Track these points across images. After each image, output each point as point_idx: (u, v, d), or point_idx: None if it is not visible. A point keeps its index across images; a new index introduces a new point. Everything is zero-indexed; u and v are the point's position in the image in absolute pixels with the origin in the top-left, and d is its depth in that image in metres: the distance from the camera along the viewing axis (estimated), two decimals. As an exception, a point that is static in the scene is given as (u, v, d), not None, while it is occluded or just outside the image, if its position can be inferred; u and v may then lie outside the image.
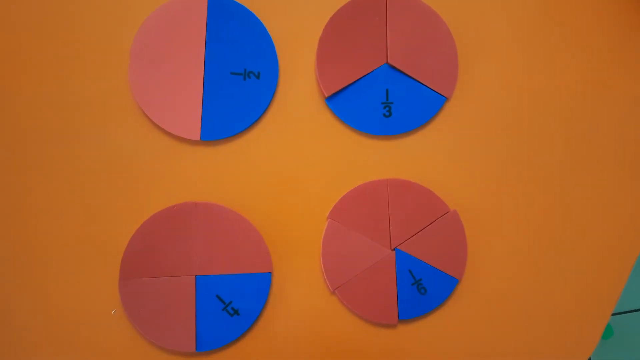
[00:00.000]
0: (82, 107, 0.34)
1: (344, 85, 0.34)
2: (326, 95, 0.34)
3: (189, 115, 0.33)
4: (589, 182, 0.37)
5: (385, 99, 0.35)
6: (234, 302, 0.33)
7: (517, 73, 0.36)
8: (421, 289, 0.34)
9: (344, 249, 0.34)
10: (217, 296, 0.33)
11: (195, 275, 0.33)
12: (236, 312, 0.33)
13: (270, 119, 0.35)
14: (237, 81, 0.34)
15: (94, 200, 0.33)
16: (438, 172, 0.36)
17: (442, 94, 0.35)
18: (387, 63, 0.35)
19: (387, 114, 0.35)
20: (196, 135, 0.33)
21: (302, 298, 0.35)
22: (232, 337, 0.33)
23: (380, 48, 0.35)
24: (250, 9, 0.34)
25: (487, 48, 0.36)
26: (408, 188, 0.35)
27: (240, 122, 0.34)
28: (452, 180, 0.36)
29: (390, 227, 0.35)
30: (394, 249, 0.34)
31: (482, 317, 0.36)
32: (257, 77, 0.34)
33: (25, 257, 0.33)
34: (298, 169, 0.35)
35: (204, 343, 0.33)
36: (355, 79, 0.34)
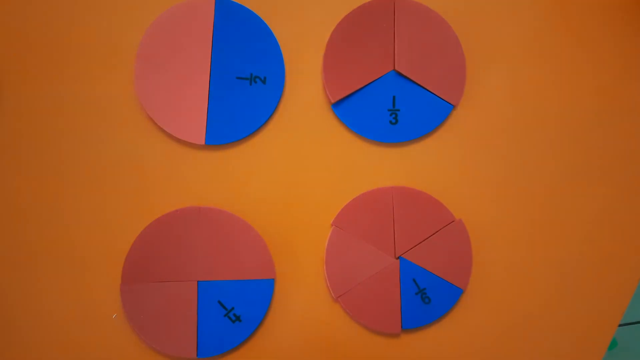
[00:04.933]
0: (86, 109, 0.33)
1: (351, 92, 0.34)
2: (332, 102, 0.34)
3: (194, 119, 0.33)
4: (597, 192, 0.36)
5: (392, 106, 0.35)
6: (236, 309, 0.33)
7: (525, 81, 0.36)
8: (425, 298, 0.34)
9: (348, 257, 0.34)
10: (219, 302, 0.33)
11: (198, 281, 0.33)
12: (238, 318, 0.33)
13: (275, 124, 0.34)
14: (243, 86, 0.34)
15: (97, 203, 0.33)
16: (444, 180, 0.35)
17: (449, 101, 0.35)
18: (394, 70, 0.34)
19: (394, 121, 0.35)
20: (201, 139, 0.33)
21: (304, 305, 0.34)
22: (234, 344, 0.33)
23: (388, 55, 0.34)
24: (257, 14, 0.34)
25: (495, 56, 0.36)
26: (413, 196, 0.35)
27: (245, 127, 0.34)
28: (458, 189, 0.35)
29: (395, 236, 0.34)
30: (398, 258, 0.34)
31: (486, 327, 0.35)
32: (263, 82, 0.34)
33: (26, 260, 0.33)
34: (303, 175, 0.35)
35: (205, 349, 0.33)
36: (362, 85, 0.34)
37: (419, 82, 0.34)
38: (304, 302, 0.34)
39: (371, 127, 0.34)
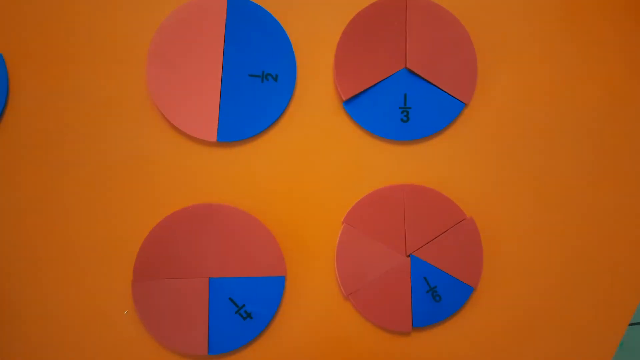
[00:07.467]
0: (99, 107, 0.33)
1: (362, 89, 0.34)
2: (344, 99, 0.34)
3: (206, 116, 0.33)
4: (608, 190, 0.36)
5: (403, 103, 0.34)
6: (247, 306, 0.33)
7: (537, 80, 0.36)
8: (436, 296, 0.34)
9: (359, 255, 0.34)
10: (230, 299, 0.33)
11: (209, 278, 0.33)
12: (249, 315, 0.33)
13: (287, 121, 0.34)
14: (254, 83, 0.34)
15: (109, 200, 0.33)
16: (455, 178, 0.35)
17: (460, 99, 0.35)
18: (405, 68, 0.34)
19: (405, 118, 0.34)
20: (213, 136, 0.33)
21: (315, 303, 0.34)
22: (245, 341, 0.33)
23: (399, 52, 0.34)
24: (269, 11, 0.34)
25: (506, 54, 0.36)
26: (424, 194, 0.34)
27: (257, 124, 0.34)
28: (469, 187, 0.35)
29: (406, 233, 0.34)
30: (409, 256, 0.34)
31: (496, 326, 0.35)
32: (275, 79, 0.34)
33: (38, 257, 0.33)
34: (314, 173, 0.35)
35: (216, 346, 0.33)
36: (373, 83, 0.34)
37: (430, 80, 0.34)
38: (314, 299, 0.34)
39: (382, 125, 0.34)
